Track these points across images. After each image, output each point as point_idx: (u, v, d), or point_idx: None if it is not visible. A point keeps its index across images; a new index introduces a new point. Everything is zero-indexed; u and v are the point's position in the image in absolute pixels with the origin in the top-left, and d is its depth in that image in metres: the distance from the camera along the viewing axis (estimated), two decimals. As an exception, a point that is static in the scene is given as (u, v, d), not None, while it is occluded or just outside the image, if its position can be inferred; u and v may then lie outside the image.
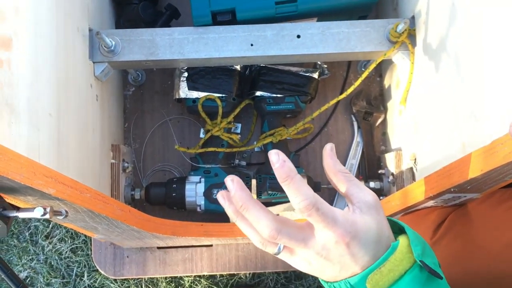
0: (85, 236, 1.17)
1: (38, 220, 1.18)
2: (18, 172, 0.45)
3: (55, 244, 1.17)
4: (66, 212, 0.52)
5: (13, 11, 0.55)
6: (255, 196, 0.95)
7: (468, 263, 0.61)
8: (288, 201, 0.95)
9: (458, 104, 0.68)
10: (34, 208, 0.47)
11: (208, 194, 0.95)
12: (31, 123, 0.57)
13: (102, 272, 1.05)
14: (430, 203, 0.66)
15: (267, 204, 0.95)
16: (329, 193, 1.06)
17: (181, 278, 1.14)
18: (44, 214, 0.46)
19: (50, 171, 0.51)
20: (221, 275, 1.14)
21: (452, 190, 0.58)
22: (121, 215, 0.69)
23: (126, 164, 0.96)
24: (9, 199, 0.52)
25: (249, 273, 1.15)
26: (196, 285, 1.14)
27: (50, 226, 1.18)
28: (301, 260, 0.45)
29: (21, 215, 0.47)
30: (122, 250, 1.05)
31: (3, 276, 0.54)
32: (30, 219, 1.17)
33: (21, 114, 0.55)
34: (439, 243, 0.64)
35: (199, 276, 1.14)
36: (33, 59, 0.59)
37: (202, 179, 0.96)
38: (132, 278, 1.13)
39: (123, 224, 0.72)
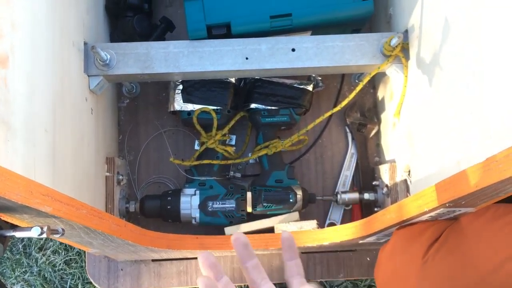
0: (79, 248, 1.16)
1: (31, 232, 1.17)
2: (15, 192, 0.45)
3: (49, 256, 1.16)
4: (63, 230, 0.51)
5: (10, 27, 0.55)
6: (250, 209, 0.95)
7: (459, 281, 0.62)
8: (283, 213, 0.95)
9: (451, 119, 0.69)
10: (31, 227, 0.46)
11: (203, 207, 0.95)
12: (27, 140, 0.57)
13: (96, 285, 1.04)
14: (425, 217, 0.67)
15: (262, 216, 0.95)
16: (324, 204, 1.06)
17: (176, 290, 1.13)
18: (41, 233, 0.46)
19: (46, 189, 0.51)
20: None
21: (447, 205, 0.58)
22: (117, 230, 0.69)
23: (120, 177, 0.96)
24: (4, 217, 0.52)
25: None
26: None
27: (44, 238, 1.17)
28: None
29: (18, 234, 0.47)
30: (116, 263, 1.05)
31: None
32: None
33: (17, 131, 0.55)
34: (432, 260, 0.64)
35: (195, 288, 1.13)
36: (29, 75, 0.59)
37: (197, 192, 0.96)
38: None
39: (118, 239, 0.72)
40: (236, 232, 0.52)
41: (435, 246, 0.63)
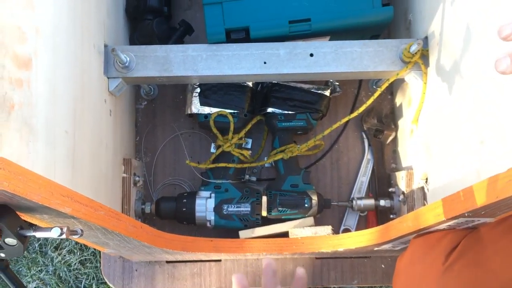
0: (94, 248, 1.17)
1: (48, 231, 1.19)
2: (36, 192, 0.46)
3: (64, 255, 1.18)
4: (82, 231, 0.52)
5: (34, 31, 0.55)
6: (265, 213, 0.95)
7: None
8: (298, 218, 0.95)
9: (472, 128, 0.68)
10: (51, 228, 0.47)
11: (219, 210, 0.95)
12: (48, 141, 0.58)
13: (111, 285, 1.05)
14: (443, 226, 0.66)
15: (277, 220, 0.95)
16: (339, 210, 1.05)
17: (189, 292, 1.14)
18: (61, 234, 0.47)
19: (66, 190, 0.52)
20: (229, 290, 1.14)
21: (466, 214, 0.57)
22: (134, 231, 0.69)
23: (137, 178, 0.97)
24: (25, 217, 0.53)
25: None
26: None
27: (60, 238, 1.18)
28: None
29: (38, 234, 0.48)
30: (131, 263, 1.05)
31: (17, 294, 0.54)
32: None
33: (39, 132, 0.56)
34: (451, 269, 0.64)
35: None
36: (51, 78, 0.60)
37: (213, 195, 0.96)
38: (140, 292, 1.13)
39: (134, 240, 0.72)
40: (269, 258, 0.57)
41: (454, 254, 0.63)
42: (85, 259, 1.17)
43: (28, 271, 1.18)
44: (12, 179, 0.42)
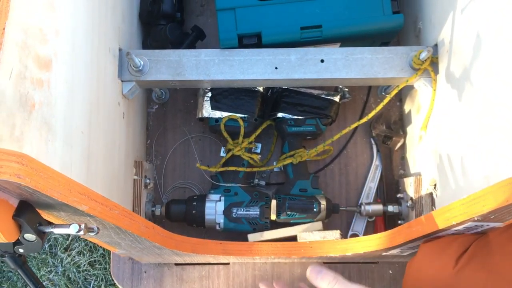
0: (104, 250, 1.18)
1: (58, 232, 1.20)
2: (55, 189, 0.47)
3: (74, 257, 1.19)
4: (98, 228, 0.53)
5: (54, 33, 0.57)
6: (274, 216, 0.96)
7: None
8: (307, 222, 0.96)
9: (480, 133, 0.69)
10: (70, 224, 0.48)
11: (228, 213, 0.96)
12: (65, 141, 0.59)
13: (120, 287, 1.06)
14: (452, 230, 0.67)
15: (286, 224, 0.96)
16: (347, 215, 1.06)
17: (196, 295, 1.14)
18: (79, 230, 0.48)
19: (84, 188, 0.53)
20: (237, 294, 1.14)
21: (475, 219, 0.58)
22: (146, 231, 0.71)
23: (147, 181, 0.98)
24: (43, 214, 0.54)
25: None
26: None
27: (70, 239, 1.20)
28: None
29: (56, 230, 0.49)
30: (140, 265, 1.06)
31: (33, 289, 0.55)
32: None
33: (57, 132, 0.57)
34: (461, 273, 0.64)
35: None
36: (69, 79, 0.61)
37: (222, 198, 0.97)
38: (148, 294, 1.14)
39: (146, 240, 0.73)
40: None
41: (463, 258, 0.63)
42: (94, 260, 1.18)
43: (38, 271, 1.19)
44: (33, 176, 0.44)
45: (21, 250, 0.50)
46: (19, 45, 0.48)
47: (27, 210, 0.47)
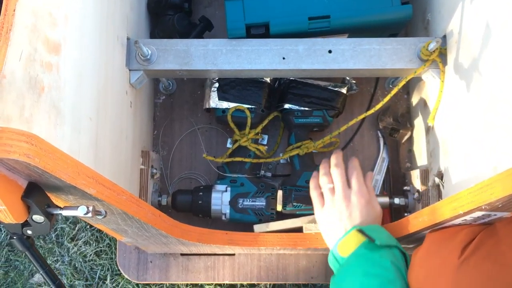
0: (110, 240, 1.19)
1: (65, 222, 1.21)
2: (65, 171, 0.47)
3: (80, 246, 1.19)
4: (105, 212, 0.53)
5: (64, 18, 0.57)
6: (280, 207, 0.96)
7: (496, 285, 0.61)
8: (313, 214, 0.96)
9: (489, 124, 0.68)
10: (78, 206, 0.48)
11: (234, 203, 0.96)
12: (73, 126, 0.60)
13: (126, 276, 1.06)
14: (458, 220, 0.66)
15: (291, 216, 0.96)
16: (353, 208, 1.06)
17: (201, 286, 1.15)
18: (87, 212, 0.48)
19: (92, 172, 0.53)
20: (242, 285, 1.15)
21: (483, 207, 0.58)
22: (153, 219, 0.71)
23: (154, 170, 0.98)
24: (51, 197, 0.54)
25: (270, 284, 1.15)
26: (216, 293, 1.15)
27: (76, 228, 1.20)
28: (326, 210, 0.80)
29: (65, 212, 0.49)
30: (146, 255, 1.07)
31: (41, 273, 0.56)
32: (57, 220, 1.20)
33: (66, 116, 0.57)
34: (467, 262, 0.64)
35: (220, 285, 1.14)
36: (78, 65, 0.62)
37: (228, 188, 0.98)
38: (154, 284, 1.14)
39: (153, 228, 0.73)
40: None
41: (469, 248, 0.63)
42: (101, 250, 1.19)
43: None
44: (43, 156, 0.44)
45: (29, 232, 0.50)
46: (29, 27, 0.48)
47: (36, 192, 0.48)
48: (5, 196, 0.44)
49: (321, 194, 0.84)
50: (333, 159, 0.85)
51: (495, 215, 0.63)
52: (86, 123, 0.64)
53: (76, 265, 1.19)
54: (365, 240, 0.72)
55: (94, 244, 1.19)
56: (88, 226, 1.21)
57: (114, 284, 1.17)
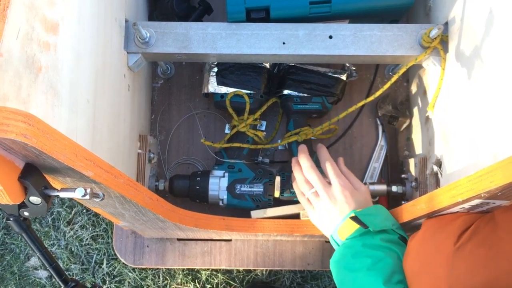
0: (106, 224, 1.19)
1: (61, 206, 1.20)
2: (62, 152, 0.47)
3: (77, 230, 1.19)
4: (103, 195, 0.53)
5: (61, -2, 0.56)
6: (277, 193, 0.96)
7: (491, 271, 0.61)
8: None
9: (490, 114, 0.68)
10: (75, 188, 0.48)
11: (231, 189, 0.96)
12: (71, 108, 0.59)
13: (122, 260, 1.06)
14: (457, 208, 0.66)
15: (289, 202, 0.96)
16: (350, 195, 1.06)
17: (198, 271, 1.15)
18: (85, 195, 0.47)
19: (90, 154, 0.53)
20: (238, 271, 1.15)
21: (482, 195, 0.58)
22: (150, 203, 0.71)
23: (152, 155, 0.98)
24: (48, 179, 0.54)
25: (266, 270, 1.16)
26: (213, 279, 1.15)
27: (72, 212, 1.20)
28: (317, 212, 0.82)
29: (62, 194, 0.49)
30: (143, 239, 1.07)
31: (37, 255, 0.55)
32: (53, 204, 1.19)
33: (63, 97, 0.56)
34: (463, 248, 0.64)
35: (216, 271, 1.15)
36: (75, 46, 0.61)
37: (226, 174, 0.97)
38: (150, 268, 1.15)
39: (150, 212, 0.73)
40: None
41: (465, 235, 0.63)
42: (97, 234, 1.19)
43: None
44: (40, 137, 0.43)
45: (26, 214, 0.50)
46: (26, 5, 0.47)
47: (33, 173, 0.47)
48: (2, 177, 0.43)
49: (308, 199, 0.85)
50: (302, 162, 0.86)
51: (493, 203, 0.62)
52: (83, 105, 0.64)
53: (73, 249, 1.19)
54: (358, 228, 0.74)
55: (90, 228, 1.19)
56: (84, 210, 1.20)
57: (110, 269, 1.17)
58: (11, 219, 0.51)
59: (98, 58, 0.70)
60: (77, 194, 0.47)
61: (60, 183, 0.56)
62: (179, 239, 1.07)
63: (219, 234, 1.00)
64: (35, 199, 0.48)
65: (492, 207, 0.65)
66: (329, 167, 0.84)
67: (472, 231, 0.65)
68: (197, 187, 0.97)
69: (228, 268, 1.09)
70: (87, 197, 0.48)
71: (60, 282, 0.55)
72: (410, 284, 0.70)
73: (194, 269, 1.14)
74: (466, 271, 0.62)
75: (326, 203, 0.81)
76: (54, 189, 0.49)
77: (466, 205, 0.64)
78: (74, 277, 1.02)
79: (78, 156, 0.50)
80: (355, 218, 0.74)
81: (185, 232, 0.97)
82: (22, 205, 0.49)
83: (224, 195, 0.96)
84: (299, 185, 0.86)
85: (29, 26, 0.48)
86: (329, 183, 0.83)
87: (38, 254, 0.54)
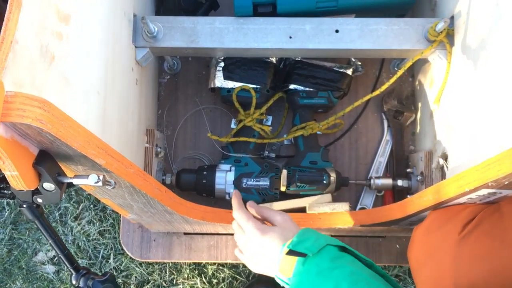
0: (113, 219, 1.19)
1: (69, 201, 1.21)
2: (75, 139, 0.47)
3: (84, 225, 1.20)
4: (115, 183, 0.54)
5: (73, -11, 0.57)
6: (284, 188, 0.97)
7: (495, 261, 0.62)
8: (316, 195, 0.96)
9: (496, 107, 0.68)
10: (88, 175, 0.49)
11: (238, 183, 0.97)
12: (82, 98, 0.60)
13: (129, 254, 1.07)
14: (464, 199, 0.67)
15: (295, 196, 0.96)
16: (356, 190, 1.06)
17: (204, 266, 1.16)
18: (98, 181, 0.48)
19: (102, 143, 0.53)
20: (244, 265, 1.15)
21: (489, 184, 0.58)
22: (158, 194, 0.71)
23: (159, 149, 0.99)
24: (61, 165, 0.55)
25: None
26: (219, 273, 1.15)
27: (80, 208, 1.21)
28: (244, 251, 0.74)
29: (75, 181, 0.49)
30: (149, 233, 1.08)
31: (50, 242, 0.56)
32: (61, 200, 1.20)
33: (75, 87, 0.57)
34: (467, 238, 0.64)
35: (222, 265, 1.15)
36: (86, 37, 0.61)
37: (233, 168, 0.98)
38: (156, 263, 1.15)
39: (158, 204, 0.74)
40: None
41: (471, 225, 0.64)
42: (104, 229, 1.20)
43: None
44: (55, 123, 0.44)
45: (39, 200, 0.50)
46: (40, -5, 0.48)
47: (47, 160, 0.48)
48: (17, 162, 0.44)
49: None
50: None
51: (500, 193, 0.63)
52: (94, 96, 0.64)
53: (80, 244, 1.20)
54: (298, 259, 0.65)
55: (97, 224, 1.20)
56: (91, 206, 1.21)
57: (117, 263, 1.18)
58: (25, 206, 0.51)
59: (108, 51, 0.71)
60: (90, 181, 0.48)
61: (72, 172, 0.56)
62: (185, 233, 1.07)
63: (225, 228, 1.01)
64: (48, 186, 0.48)
65: (499, 198, 0.65)
66: (237, 217, 0.76)
67: (478, 221, 0.65)
68: (204, 181, 0.97)
69: (234, 262, 1.10)
70: (100, 183, 0.48)
71: (71, 270, 0.56)
72: (414, 273, 0.70)
73: (201, 263, 1.15)
74: (470, 260, 0.63)
75: (252, 250, 0.73)
76: (67, 176, 0.50)
77: (473, 195, 0.65)
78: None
79: (91, 144, 0.51)
80: (290, 253, 0.65)
81: (192, 226, 0.97)
82: (36, 192, 0.50)
83: (230, 189, 0.97)
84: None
85: (43, 15, 0.48)
86: None
87: (50, 241, 0.54)
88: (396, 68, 1.07)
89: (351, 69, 1.00)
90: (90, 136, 0.51)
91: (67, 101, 0.55)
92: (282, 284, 0.69)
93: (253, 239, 0.71)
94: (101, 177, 0.49)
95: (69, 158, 0.52)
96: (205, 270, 1.16)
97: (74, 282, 0.56)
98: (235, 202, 0.78)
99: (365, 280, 0.58)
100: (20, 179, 0.45)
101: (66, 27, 0.54)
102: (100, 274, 0.57)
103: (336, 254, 0.65)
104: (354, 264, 0.62)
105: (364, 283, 0.58)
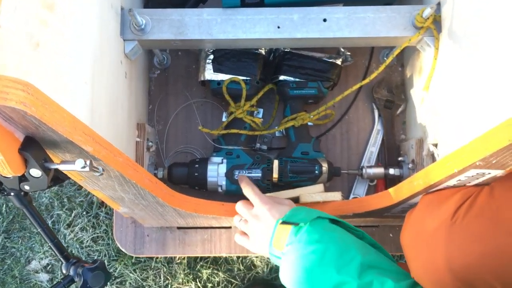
0: (106, 225, 1.19)
1: (61, 208, 1.20)
2: (61, 124, 0.47)
3: (77, 233, 1.19)
4: (103, 169, 0.53)
5: (57, -23, 0.57)
6: (276, 178, 0.96)
7: (488, 242, 0.62)
8: (308, 185, 0.96)
9: (484, 92, 0.69)
10: (75, 160, 0.48)
11: (230, 175, 0.97)
12: (68, 86, 0.59)
13: (123, 250, 1.06)
14: (453, 181, 0.67)
15: (287, 187, 0.96)
16: (348, 179, 1.07)
17: (199, 270, 1.15)
18: (84, 166, 0.48)
19: (89, 129, 0.53)
20: (239, 269, 1.15)
21: (477, 164, 0.58)
22: (149, 185, 0.71)
23: (150, 143, 0.98)
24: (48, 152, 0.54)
25: (267, 268, 1.16)
26: (214, 277, 1.15)
27: (72, 215, 1.20)
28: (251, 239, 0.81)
29: (62, 167, 0.49)
30: (143, 229, 1.07)
31: (39, 230, 0.56)
32: (53, 207, 1.19)
33: (60, 75, 0.57)
34: (460, 221, 0.65)
35: (217, 269, 1.15)
36: (71, 26, 0.61)
37: (224, 160, 0.98)
38: (151, 268, 1.15)
39: (149, 195, 0.74)
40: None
41: (463, 207, 0.64)
42: (97, 236, 1.19)
43: (41, 247, 1.20)
44: (39, 107, 0.44)
45: (26, 187, 0.50)
46: (22, -20, 0.48)
47: (33, 145, 0.48)
48: (2, 147, 0.43)
49: (243, 232, 0.85)
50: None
51: (489, 173, 0.63)
52: (81, 86, 0.64)
53: (73, 251, 1.19)
54: (291, 228, 0.71)
55: (90, 230, 1.19)
56: (84, 212, 1.21)
57: (111, 270, 1.17)
58: (12, 194, 0.51)
59: (95, 43, 0.70)
60: (77, 166, 0.48)
61: (60, 159, 0.56)
62: (179, 228, 1.07)
63: (219, 221, 1.01)
64: (35, 172, 0.48)
65: (488, 178, 0.65)
66: (247, 190, 0.84)
67: (469, 204, 0.65)
68: (196, 174, 0.97)
69: (229, 255, 1.10)
70: (87, 169, 0.48)
71: (61, 259, 0.55)
72: (408, 258, 0.70)
73: (196, 268, 1.15)
74: (463, 242, 0.63)
75: (253, 224, 0.80)
76: (54, 162, 0.49)
77: (462, 177, 0.65)
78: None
79: (77, 130, 0.51)
80: (284, 222, 0.73)
81: (185, 219, 0.97)
82: (23, 179, 0.49)
83: (222, 181, 0.97)
84: (236, 225, 0.87)
85: (26, 0, 0.48)
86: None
87: (39, 229, 0.54)
88: (385, 58, 1.07)
89: (340, 59, 1.00)
90: (76, 121, 0.51)
91: (53, 88, 0.54)
92: (275, 261, 0.74)
93: (261, 208, 0.79)
94: (88, 162, 0.48)
95: (56, 145, 0.51)
96: (200, 275, 1.16)
97: (64, 271, 0.56)
98: (244, 180, 0.87)
99: (353, 243, 0.64)
100: (5, 164, 0.45)
101: (51, 14, 0.54)
102: (91, 262, 0.56)
103: (327, 225, 0.71)
104: (344, 233, 0.68)
105: (353, 246, 0.64)
